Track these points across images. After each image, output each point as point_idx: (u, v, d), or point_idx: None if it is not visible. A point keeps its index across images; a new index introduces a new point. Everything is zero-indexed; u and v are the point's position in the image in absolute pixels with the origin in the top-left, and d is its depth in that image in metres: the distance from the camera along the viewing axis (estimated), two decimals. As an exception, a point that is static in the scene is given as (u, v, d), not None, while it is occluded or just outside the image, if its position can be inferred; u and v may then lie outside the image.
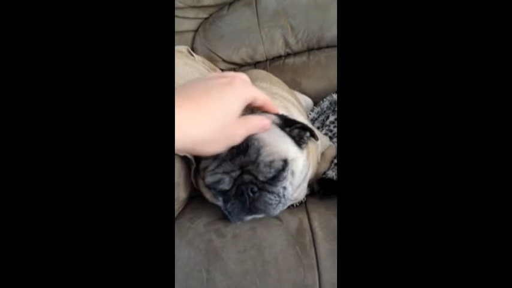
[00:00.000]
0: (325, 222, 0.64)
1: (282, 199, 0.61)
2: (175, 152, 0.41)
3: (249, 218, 0.63)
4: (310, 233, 0.62)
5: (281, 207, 0.62)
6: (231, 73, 0.54)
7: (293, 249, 0.60)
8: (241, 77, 0.52)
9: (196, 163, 0.65)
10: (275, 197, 0.60)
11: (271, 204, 0.60)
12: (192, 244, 0.61)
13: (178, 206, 0.69)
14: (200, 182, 0.66)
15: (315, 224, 0.64)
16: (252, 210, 0.60)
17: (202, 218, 0.66)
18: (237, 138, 0.51)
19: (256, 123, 0.55)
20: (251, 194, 0.59)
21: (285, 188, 0.61)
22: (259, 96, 0.53)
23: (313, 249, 0.60)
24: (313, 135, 0.66)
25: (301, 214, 0.67)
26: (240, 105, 0.49)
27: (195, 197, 0.74)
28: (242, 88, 0.50)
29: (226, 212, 0.63)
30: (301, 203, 0.72)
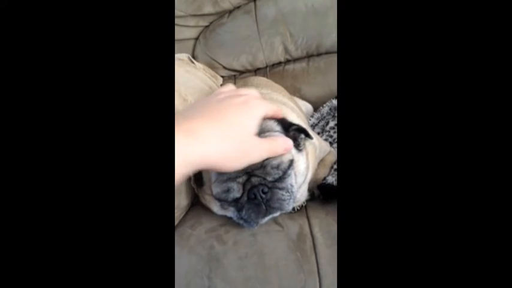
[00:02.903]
0: (325, 228, 0.64)
1: (292, 194, 0.62)
2: (199, 168, 0.43)
3: (266, 219, 0.64)
4: (310, 239, 0.63)
5: (292, 203, 0.63)
6: (244, 91, 0.56)
7: (294, 255, 0.60)
8: (254, 93, 0.55)
9: (198, 178, 0.66)
10: (286, 192, 0.61)
11: (284, 200, 0.61)
12: (194, 251, 0.62)
13: (179, 213, 0.69)
14: (206, 196, 0.67)
15: (316, 229, 0.65)
16: (268, 210, 0.61)
17: (203, 225, 0.67)
18: (256, 155, 0.52)
19: (281, 144, 0.57)
20: (263, 195, 0.60)
21: (291, 185, 0.62)
22: (270, 109, 0.55)
23: (313, 255, 0.60)
24: (307, 135, 0.67)
25: (301, 220, 0.68)
26: (255, 124, 0.51)
27: (196, 204, 0.74)
28: (256, 107, 0.52)
29: (241, 221, 0.63)
30: (301, 207, 0.72)
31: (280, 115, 0.60)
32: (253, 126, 0.50)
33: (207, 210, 0.69)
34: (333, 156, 0.82)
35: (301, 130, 0.66)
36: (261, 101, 0.55)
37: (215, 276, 0.59)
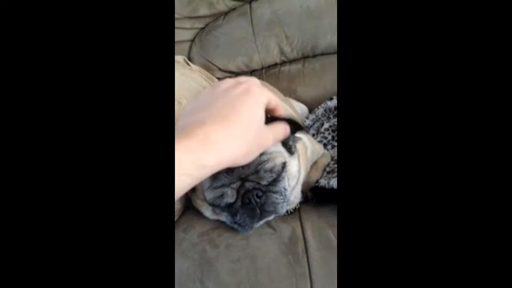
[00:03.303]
0: (317, 231, 0.65)
1: (285, 197, 0.63)
2: (216, 170, 0.43)
3: (260, 223, 0.64)
4: (302, 242, 0.63)
5: (286, 206, 0.64)
6: (244, 78, 0.54)
7: (286, 258, 0.61)
8: (254, 80, 0.53)
9: None
10: (280, 195, 0.62)
11: (278, 203, 0.62)
12: (186, 255, 0.62)
13: (173, 217, 0.70)
14: (198, 201, 0.67)
15: (308, 232, 0.65)
16: (262, 214, 0.62)
17: (196, 229, 0.67)
18: (266, 145, 0.52)
19: (282, 130, 0.55)
20: (258, 200, 0.60)
21: (285, 188, 0.63)
22: (272, 98, 0.54)
23: (305, 258, 0.61)
24: (300, 127, 0.64)
25: (294, 223, 0.68)
26: (262, 112, 0.50)
27: (189, 208, 0.75)
28: (259, 94, 0.51)
29: (235, 226, 0.63)
30: (294, 209, 0.72)
31: (280, 109, 0.57)
32: (261, 115, 0.49)
33: (200, 214, 0.70)
34: (326, 159, 0.82)
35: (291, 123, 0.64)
36: (262, 87, 0.53)
37: (207, 280, 0.60)
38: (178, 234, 0.66)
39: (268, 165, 0.60)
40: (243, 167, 0.59)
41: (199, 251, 0.62)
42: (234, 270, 0.60)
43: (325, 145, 0.98)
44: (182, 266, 0.61)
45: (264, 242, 0.63)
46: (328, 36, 1.23)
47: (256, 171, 0.60)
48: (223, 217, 0.65)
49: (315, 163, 0.79)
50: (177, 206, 0.70)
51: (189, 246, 0.63)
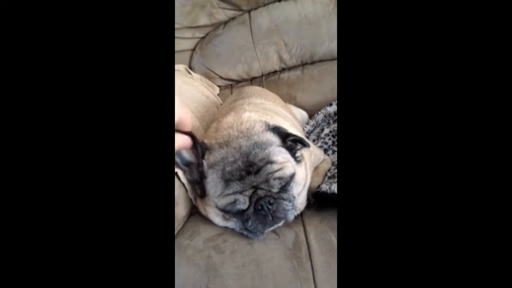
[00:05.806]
0: (320, 235, 0.66)
1: (294, 204, 0.66)
2: None
3: (270, 229, 0.66)
4: (306, 246, 0.64)
5: (294, 212, 0.67)
6: None
7: (290, 263, 0.62)
8: None
9: (201, 190, 0.68)
10: (290, 202, 0.65)
11: (288, 210, 0.65)
12: (192, 261, 0.63)
13: (177, 224, 0.71)
14: (207, 208, 0.69)
15: (311, 237, 0.66)
16: (274, 220, 0.65)
17: (201, 235, 0.68)
18: None
19: (179, 142, 0.53)
20: (270, 206, 0.63)
21: (293, 196, 0.66)
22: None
23: (309, 262, 0.62)
24: (304, 144, 0.69)
25: (297, 227, 0.69)
26: None
27: (194, 214, 0.76)
28: None
29: (245, 232, 0.65)
30: (297, 215, 0.73)
31: (185, 125, 0.53)
32: None
33: (205, 220, 0.71)
34: (327, 164, 0.84)
35: (297, 140, 0.69)
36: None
37: (213, 286, 0.60)
38: (184, 241, 0.67)
39: (277, 174, 0.63)
40: (254, 175, 0.62)
41: (205, 257, 0.63)
42: (239, 276, 0.61)
43: (325, 150, 0.99)
44: (188, 272, 0.62)
45: (268, 248, 0.64)
46: (326, 43, 1.26)
47: (267, 180, 0.63)
48: (233, 223, 0.67)
49: (316, 168, 0.81)
50: (182, 213, 0.71)
51: (194, 253, 0.64)
